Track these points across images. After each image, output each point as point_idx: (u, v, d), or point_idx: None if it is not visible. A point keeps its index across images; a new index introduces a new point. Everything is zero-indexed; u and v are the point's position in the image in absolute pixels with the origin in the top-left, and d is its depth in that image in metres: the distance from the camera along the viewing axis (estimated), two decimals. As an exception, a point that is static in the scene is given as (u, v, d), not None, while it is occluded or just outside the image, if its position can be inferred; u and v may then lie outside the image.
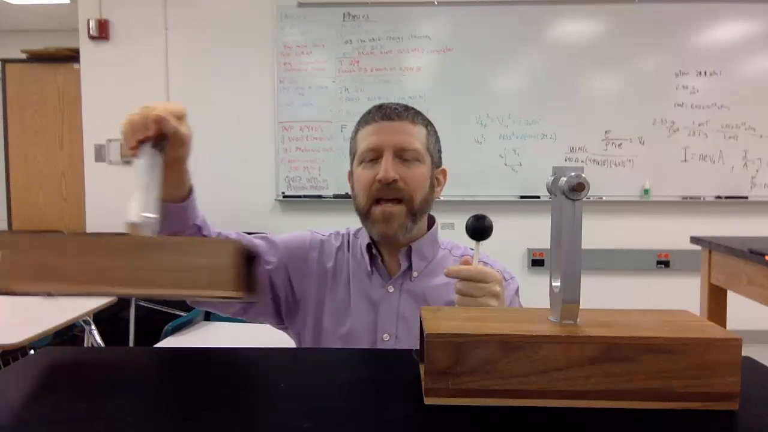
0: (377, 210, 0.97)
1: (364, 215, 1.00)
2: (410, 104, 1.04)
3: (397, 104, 1.02)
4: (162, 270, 0.59)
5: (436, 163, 1.05)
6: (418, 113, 1.03)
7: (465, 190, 3.72)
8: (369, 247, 1.03)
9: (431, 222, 1.09)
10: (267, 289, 1.02)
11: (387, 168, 0.94)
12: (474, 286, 0.81)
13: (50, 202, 4.57)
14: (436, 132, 1.06)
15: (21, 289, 0.58)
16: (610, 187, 3.76)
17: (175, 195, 0.83)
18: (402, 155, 0.97)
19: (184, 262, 0.58)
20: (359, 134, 1.03)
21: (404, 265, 1.03)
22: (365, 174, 0.98)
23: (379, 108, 1.01)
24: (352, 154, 1.05)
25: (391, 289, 1.02)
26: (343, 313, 1.01)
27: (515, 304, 1.04)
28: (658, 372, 0.50)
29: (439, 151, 1.06)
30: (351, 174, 1.06)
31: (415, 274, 1.03)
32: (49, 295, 0.62)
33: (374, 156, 0.98)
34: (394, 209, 0.96)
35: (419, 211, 0.99)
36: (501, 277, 0.83)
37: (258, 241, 1.04)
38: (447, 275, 0.83)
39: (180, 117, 0.75)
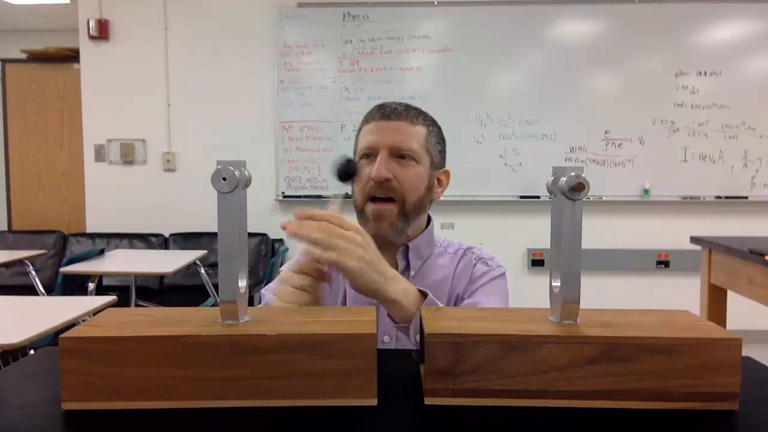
0: (369, 208, 0.97)
1: (360, 213, 1.00)
2: (411, 104, 1.04)
3: (399, 104, 1.02)
4: (285, 376, 0.50)
5: (437, 164, 1.04)
6: (421, 113, 1.03)
7: (465, 190, 3.72)
8: None
9: (427, 220, 1.08)
10: None
11: (380, 167, 0.94)
12: (330, 229, 0.71)
13: (50, 202, 4.57)
14: (439, 133, 1.05)
15: (97, 407, 0.50)
16: (610, 187, 3.76)
17: None
18: (397, 155, 0.97)
19: (312, 364, 0.50)
20: (361, 132, 1.03)
21: (402, 264, 1.03)
22: (362, 172, 0.99)
23: (381, 107, 1.01)
24: (354, 152, 1.05)
25: None
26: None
27: (498, 289, 1.02)
28: (658, 372, 0.50)
29: (441, 152, 1.05)
30: None
31: (412, 273, 1.03)
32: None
33: (371, 154, 0.98)
34: (386, 209, 0.96)
35: (412, 212, 0.99)
36: (367, 241, 0.75)
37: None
38: (297, 216, 0.73)
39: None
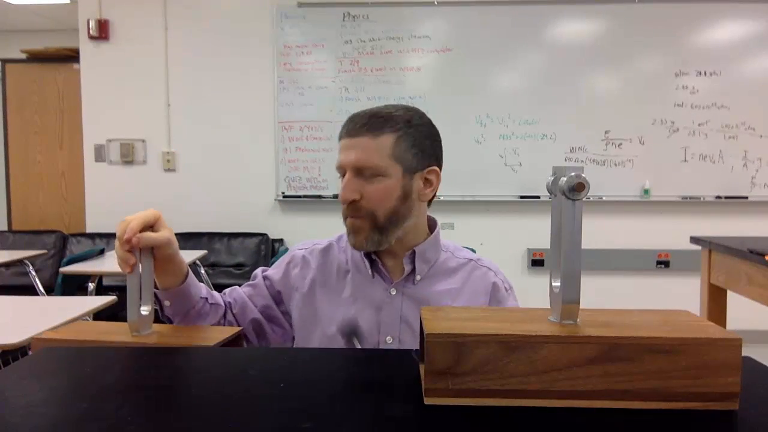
0: (347, 222, 1.00)
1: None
2: (410, 104, 1.02)
3: (365, 114, 0.98)
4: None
5: (415, 167, 0.98)
6: (389, 119, 0.97)
7: (465, 190, 3.72)
8: (369, 253, 1.03)
9: (432, 225, 1.07)
10: (266, 327, 1.07)
11: (344, 189, 0.97)
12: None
13: (50, 202, 4.57)
14: (418, 133, 0.98)
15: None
16: (610, 187, 3.76)
17: (175, 281, 0.91)
18: (361, 173, 0.97)
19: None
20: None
21: (408, 269, 1.02)
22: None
23: (349, 121, 1.00)
24: None
25: (393, 292, 1.02)
26: (347, 315, 1.02)
27: (510, 302, 1.07)
28: (658, 372, 0.50)
29: (421, 153, 0.99)
30: None
31: (418, 277, 1.03)
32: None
33: (342, 173, 1.00)
34: (358, 222, 0.98)
35: (388, 224, 0.98)
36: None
37: (243, 293, 1.08)
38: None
39: (152, 224, 0.82)
